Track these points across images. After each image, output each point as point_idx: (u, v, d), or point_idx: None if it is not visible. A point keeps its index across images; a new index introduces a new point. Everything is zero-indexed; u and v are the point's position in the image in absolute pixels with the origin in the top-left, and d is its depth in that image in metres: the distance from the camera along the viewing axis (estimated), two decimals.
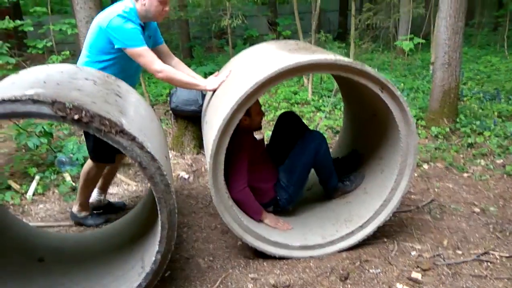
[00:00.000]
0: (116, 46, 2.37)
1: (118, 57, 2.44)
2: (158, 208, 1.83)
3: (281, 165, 2.66)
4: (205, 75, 7.92)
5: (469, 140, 4.04)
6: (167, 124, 4.88)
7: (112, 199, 3.25)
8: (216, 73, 2.67)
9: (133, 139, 1.72)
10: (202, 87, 2.52)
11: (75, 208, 2.83)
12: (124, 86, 2.35)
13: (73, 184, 3.44)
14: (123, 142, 1.71)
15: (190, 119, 3.93)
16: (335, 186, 2.74)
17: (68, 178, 3.54)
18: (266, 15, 11.44)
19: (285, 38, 9.42)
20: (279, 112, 5.46)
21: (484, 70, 7.47)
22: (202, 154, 4.04)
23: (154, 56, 2.40)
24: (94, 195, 2.98)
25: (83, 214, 2.83)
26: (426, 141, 4.23)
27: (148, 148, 1.75)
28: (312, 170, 2.68)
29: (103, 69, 2.40)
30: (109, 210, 3.02)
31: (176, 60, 2.76)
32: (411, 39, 5.24)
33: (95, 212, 2.94)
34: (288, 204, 2.67)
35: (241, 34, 12.32)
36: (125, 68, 2.52)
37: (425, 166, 3.67)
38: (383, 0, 7.09)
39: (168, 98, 4.01)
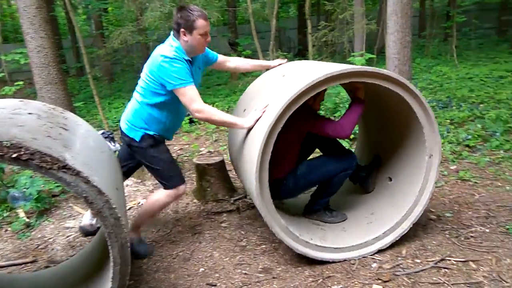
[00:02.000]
0: (168, 89, 2.37)
1: (171, 98, 2.44)
2: (109, 243, 1.77)
3: (306, 159, 2.85)
4: None
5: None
6: None
7: (68, 233, 3.12)
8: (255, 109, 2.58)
9: (77, 174, 1.67)
10: (239, 126, 2.51)
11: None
12: (72, 118, 2.29)
13: (27, 220, 3.28)
14: (66, 178, 1.66)
15: None
16: (319, 208, 2.85)
17: (21, 214, 3.38)
18: (226, 36, 11.56)
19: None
20: None
21: (436, 79, 7.82)
22: None
23: (196, 95, 2.38)
24: (87, 219, 2.91)
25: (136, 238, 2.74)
26: None
27: (94, 182, 1.70)
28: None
29: (159, 108, 2.47)
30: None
31: (234, 59, 3.06)
32: (362, 55, 5.44)
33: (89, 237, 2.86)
34: (285, 195, 2.75)
35: None
36: (179, 107, 2.53)
37: None
38: (337, 18, 7.34)
39: None
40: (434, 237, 2.70)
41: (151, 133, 2.52)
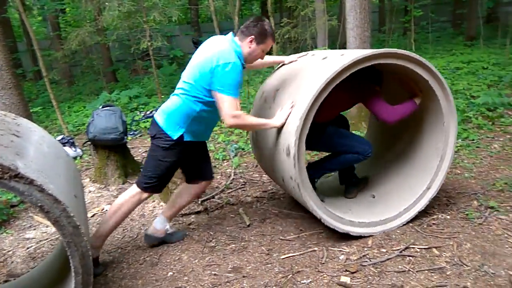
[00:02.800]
0: (211, 88, 2.33)
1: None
2: (69, 253, 1.70)
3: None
4: (130, 99, 7.72)
5: None
6: (90, 155, 4.63)
7: (29, 244, 2.98)
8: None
9: (30, 182, 1.59)
10: (272, 125, 2.53)
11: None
12: (25, 124, 2.18)
13: None
14: (19, 187, 1.57)
15: (112, 148, 3.76)
16: (316, 177, 3.04)
17: None
18: (190, 34, 11.41)
19: None
20: None
21: None
22: (129, 183, 3.87)
23: (237, 104, 2.36)
24: (159, 224, 2.77)
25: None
26: None
27: (50, 190, 1.63)
28: None
29: (203, 106, 2.41)
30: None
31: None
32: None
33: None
34: (310, 143, 2.67)
35: (167, 54, 12.18)
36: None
37: None
38: (299, 14, 7.40)
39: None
40: (398, 227, 2.78)
41: (187, 136, 2.46)
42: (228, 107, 2.32)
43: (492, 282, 2.13)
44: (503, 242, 2.48)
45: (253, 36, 2.40)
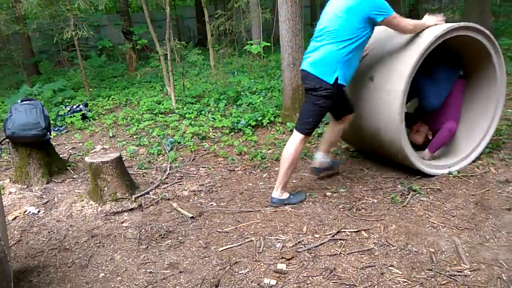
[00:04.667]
0: (378, 20, 2.76)
1: (364, 37, 2.84)
2: None
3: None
4: (54, 92, 7.20)
5: (319, 130, 4.45)
6: (9, 153, 4.24)
7: None
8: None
9: None
10: (427, 24, 3.00)
11: (277, 193, 3.04)
12: None
13: None
14: None
15: (33, 145, 3.47)
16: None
17: None
18: (119, 25, 10.88)
19: (142, 46, 9.13)
20: (142, 125, 5.25)
21: None
22: (54, 182, 3.61)
23: (400, 17, 2.88)
24: (321, 158, 3.32)
25: (286, 195, 3.06)
26: (283, 136, 4.53)
27: None
28: None
29: (353, 50, 2.80)
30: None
31: None
32: (258, 42, 5.56)
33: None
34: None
35: (95, 45, 11.53)
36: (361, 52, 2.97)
37: None
38: (233, 6, 7.38)
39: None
40: (330, 212, 2.89)
41: (341, 80, 2.83)
42: (402, 22, 2.86)
43: (415, 260, 2.30)
44: (424, 222, 2.69)
45: None
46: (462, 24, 3.03)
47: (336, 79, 2.79)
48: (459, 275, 2.13)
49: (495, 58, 3.31)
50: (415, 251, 2.37)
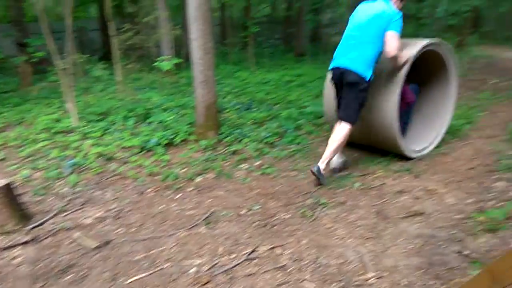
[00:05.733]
0: (388, 29, 3.40)
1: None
2: None
3: None
4: None
5: (232, 148, 4.48)
6: None
7: None
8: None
9: None
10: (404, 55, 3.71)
11: (322, 166, 3.58)
12: None
13: None
14: None
15: None
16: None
17: None
18: (12, 35, 9.85)
19: (40, 59, 8.34)
20: (38, 146, 4.75)
21: (239, 84, 8.52)
22: None
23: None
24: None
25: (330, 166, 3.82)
26: (197, 154, 4.45)
27: None
28: None
29: (379, 52, 3.53)
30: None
31: None
32: (169, 59, 5.46)
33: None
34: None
35: None
36: None
37: (198, 178, 3.83)
38: (141, 21, 7.16)
39: None
40: (245, 231, 2.89)
41: (372, 75, 3.54)
42: (396, 42, 3.42)
43: (325, 272, 2.39)
44: (332, 234, 2.83)
45: (397, 0, 3.65)
46: (432, 40, 3.95)
47: (371, 76, 3.49)
48: (365, 285, 2.26)
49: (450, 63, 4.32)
50: (325, 264, 2.47)
